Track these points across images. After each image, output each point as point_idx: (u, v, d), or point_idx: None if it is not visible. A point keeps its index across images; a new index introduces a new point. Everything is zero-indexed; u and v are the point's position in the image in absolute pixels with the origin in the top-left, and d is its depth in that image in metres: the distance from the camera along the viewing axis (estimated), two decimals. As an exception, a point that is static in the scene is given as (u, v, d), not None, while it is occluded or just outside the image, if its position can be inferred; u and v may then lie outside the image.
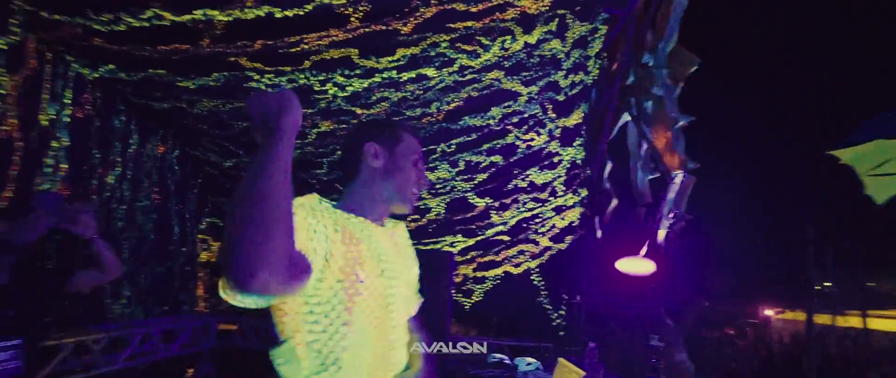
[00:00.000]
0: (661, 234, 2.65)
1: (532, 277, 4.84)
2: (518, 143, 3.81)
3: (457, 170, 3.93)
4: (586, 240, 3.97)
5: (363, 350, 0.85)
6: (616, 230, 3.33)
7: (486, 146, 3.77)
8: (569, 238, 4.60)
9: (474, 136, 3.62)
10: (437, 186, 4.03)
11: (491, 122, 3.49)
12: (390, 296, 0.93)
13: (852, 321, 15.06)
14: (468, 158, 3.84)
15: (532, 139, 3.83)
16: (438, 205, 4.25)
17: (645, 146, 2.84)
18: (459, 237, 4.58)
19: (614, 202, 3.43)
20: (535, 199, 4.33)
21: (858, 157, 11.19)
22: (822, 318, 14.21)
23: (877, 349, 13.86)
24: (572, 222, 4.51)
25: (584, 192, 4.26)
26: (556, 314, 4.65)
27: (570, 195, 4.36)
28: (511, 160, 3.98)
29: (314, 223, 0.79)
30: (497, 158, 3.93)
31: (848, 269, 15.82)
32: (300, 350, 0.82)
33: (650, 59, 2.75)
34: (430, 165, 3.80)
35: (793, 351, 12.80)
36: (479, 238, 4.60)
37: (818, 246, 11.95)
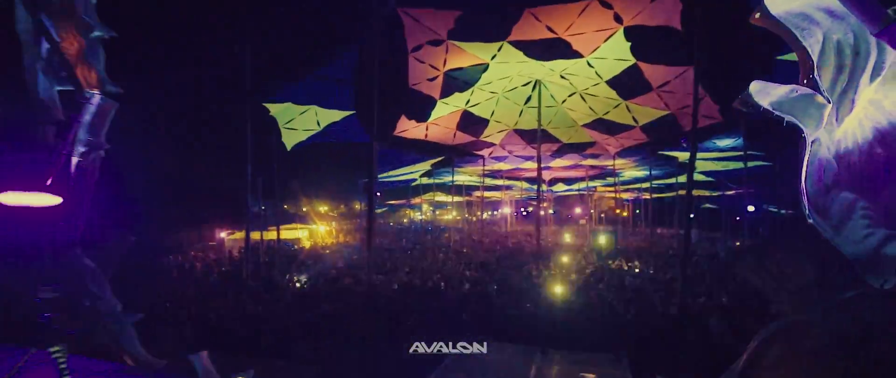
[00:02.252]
0: (75, 163, 2.25)
1: None
2: None
3: None
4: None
5: None
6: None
7: None
8: None
9: None
10: None
11: None
12: None
13: (271, 234, 20.73)
14: None
15: None
16: None
17: (47, 45, 2.22)
18: None
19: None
20: None
21: (279, 113, 14.80)
22: (255, 235, 18.57)
23: (284, 252, 19.89)
24: None
25: None
26: None
27: None
28: None
29: None
30: None
31: (271, 197, 21.35)
32: None
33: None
34: None
35: (239, 260, 15.67)
36: None
37: (253, 179, 15.16)
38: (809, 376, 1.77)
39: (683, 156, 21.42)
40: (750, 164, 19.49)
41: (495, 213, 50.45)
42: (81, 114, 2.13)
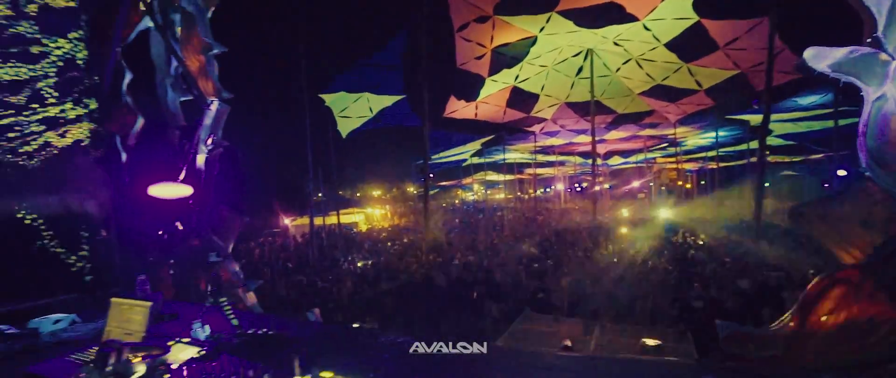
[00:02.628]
0: (201, 159, 2.72)
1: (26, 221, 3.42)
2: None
3: None
4: (106, 164, 3.19)
5: None
6: (144, 153, 2.96)
7: None
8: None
9: None
10: None
11: None
12: None
13: (331, 219, 22.15)
14: None
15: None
16: None
17: (175, 64, 2.68)
18: None
19: (141, 121, 2.99)
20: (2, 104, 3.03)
21: (334, 102, 15.61)
22: (318, 220, 20.13)
23: (344, 235, 21.16)
24: (80, 141, 3.45)
25: (93, 104, 3.32)
26: (74, 257, 3.54)
27: (69, 104, 3.29)
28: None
29: None
30: None
31: (328, 184, 22.68)
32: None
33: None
34: None
35: (304, 244, 17.07)
36: None
37: (314, 168, 16.24)
38: (866, 322, 1.77)
39: (756, 119, 19.61)
40: (841, 122, 17.39)
41: (548, 189, 49.48)
42: (203, 117, 2.57)
